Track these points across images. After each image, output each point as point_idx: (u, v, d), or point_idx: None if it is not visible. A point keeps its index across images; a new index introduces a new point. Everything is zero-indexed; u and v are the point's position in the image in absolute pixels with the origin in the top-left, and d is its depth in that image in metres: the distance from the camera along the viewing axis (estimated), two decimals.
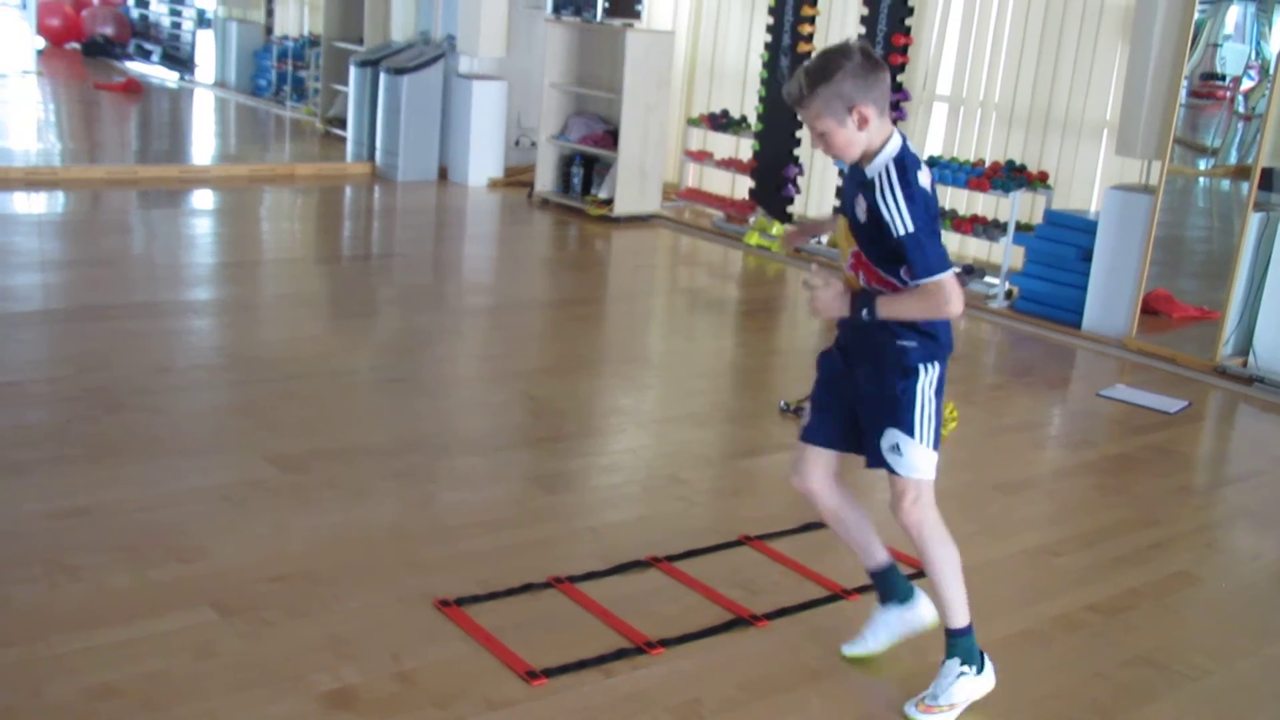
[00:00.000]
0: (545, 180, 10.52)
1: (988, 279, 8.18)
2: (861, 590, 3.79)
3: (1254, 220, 6.65)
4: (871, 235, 2.99)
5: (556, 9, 10.12)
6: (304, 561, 3.69)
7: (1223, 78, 8.36)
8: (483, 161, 10.93)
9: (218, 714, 2.90)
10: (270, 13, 16.09)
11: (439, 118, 10.94)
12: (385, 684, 3.08)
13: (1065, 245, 7.54)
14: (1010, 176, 8.00)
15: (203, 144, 12.91)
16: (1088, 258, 7.34)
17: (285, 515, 4.01)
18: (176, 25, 18.31)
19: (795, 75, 3.01)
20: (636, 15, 9.95)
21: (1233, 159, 8.33)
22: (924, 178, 2.98)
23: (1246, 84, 8.33)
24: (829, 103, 2.94)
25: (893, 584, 3.41)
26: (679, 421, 5.35)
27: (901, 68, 8.63)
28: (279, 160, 11.37)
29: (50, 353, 5.59)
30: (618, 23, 9.78)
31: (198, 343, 5.95)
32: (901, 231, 2.90)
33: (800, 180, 9.59)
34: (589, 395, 5.66)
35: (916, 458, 3.10)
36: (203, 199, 9.70)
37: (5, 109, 13.19)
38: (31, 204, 8.81)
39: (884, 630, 3.42)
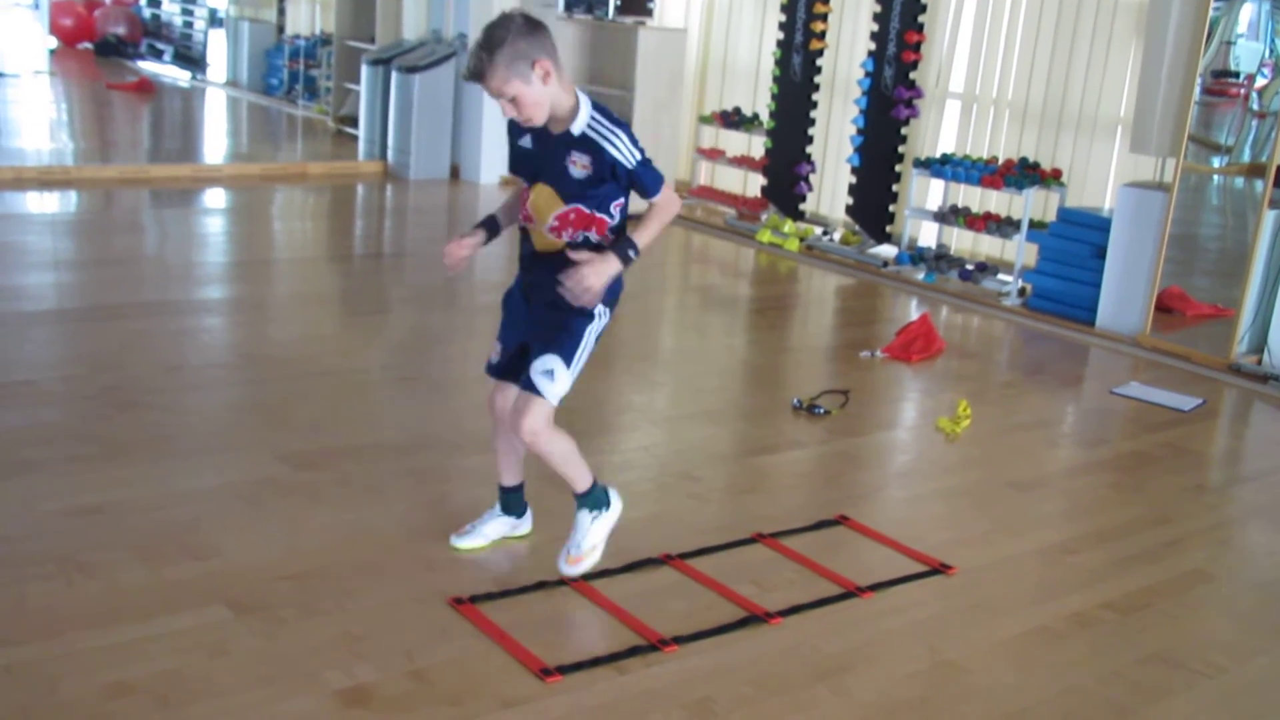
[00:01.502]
0: None
1: (1001, 276, 8.16)
2: (875, 588, 3.79)
3: (1269, 218, 6.63)
4: (592, 185, 3.33)
5: (568, 7, 10.13)
6: (317, 559, 3.70)
7: (1236, 75, 8.33)
8: (495, 159, 10.92)
9: (232, 712, 2.90)
10: (282, 12, 16.12)
11: (451, 116, 10.94)
12: (399, 682, 3.08)
13: (1079, 243, 7.52)
14: (1024, 174, 7.98)
15: (215, 143, 12.93)
16: (1102, 255, 7.32)
17: (298, 513, 4.01)
18: (188, 25, 18.36)
19: (471, 55, 3.23)
20: (648, 13, 9.96)
21: (1246, 156, 8.30)
22: (614, 114, 3.37)
23: (1260, 81, 8.30)
24: (512, 64, 3.18)
25: (516, 502, 3.91)
26: (691, 419, 5.34)
27: (914, 65, 8.62)
28: (291, 159, 11.39)
29: (64, 352, 5.60)
30: (629, 20, 9.78)
31: (210, 341, 5.96)
32: (633, 163, 3.32)
33: (813, 178, 9.58)
34: (601, 393, 5.66)
35: (561, 385, 3.45)
36: (215, 198, 9.71)
37: (18, 109, 13.24)
38: (44, 203, 8.83)
39: (494, 531, 3.89)
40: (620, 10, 9.76)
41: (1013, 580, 4.01)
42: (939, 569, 3.98)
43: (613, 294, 3.50)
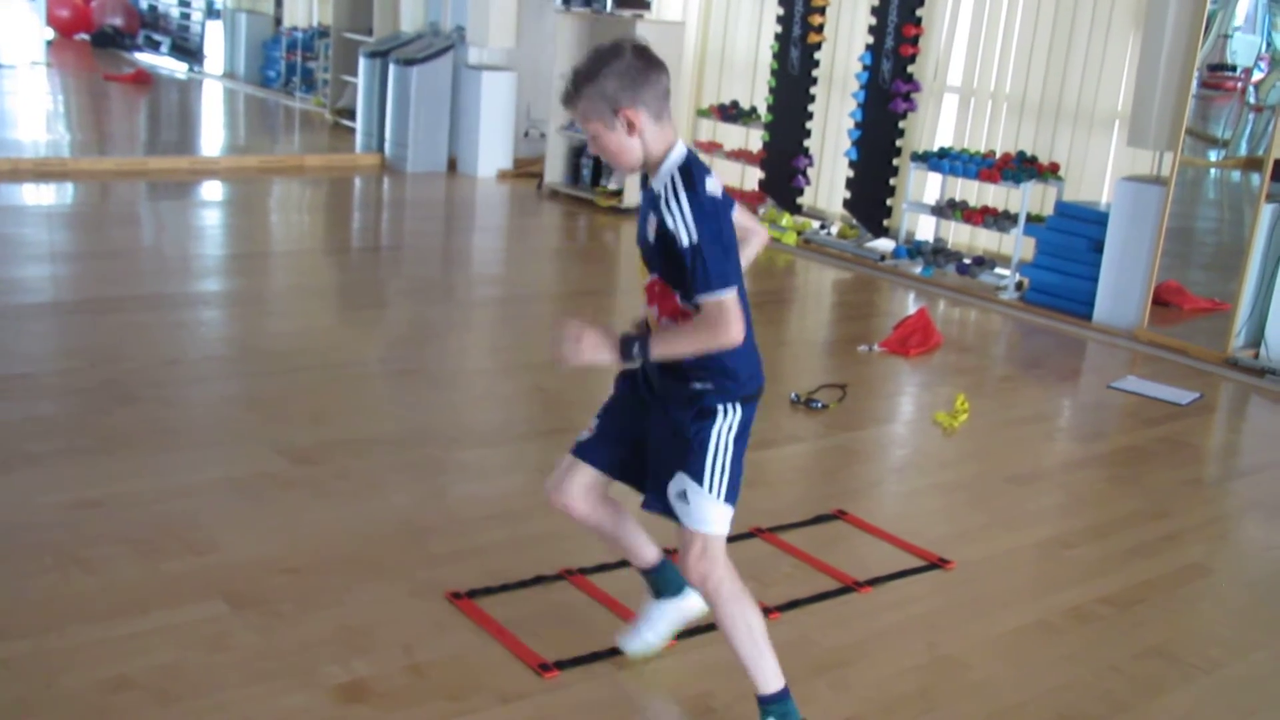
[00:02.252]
0: (555, 171, 10.51)
1: (998, 270, 8.16)
2: (873, 583, 3.80)
3: (1266, 212, 6.63)
4: (664, 256, 2.72)
5: (566, 0, 10.11)
6: (316, 554, 3.70)
7: (1233, 69, 8.32)
8: (492, 153, 10.93)
9: (230, 706, 2.90)
10: (279, 3, 16.09)
11: (448, 109, 10.93)
12: (397, 676, 3.08)
13: (1076, 237, 7.52)
14: (1021, 168, 7.98)
15: (212, 135, 12.91)
16: (1099, 249, 7.32)
17: (297, 507, 4.01)
18: (185, 16, 18.34)
19: (567, 77, 2.77)
20: (646, 6, 9.95)
21: (1243, 150, 8.29)
22: (713, 185, 2.71)
23: (1257, 75, 8.29)
24: (594, 104, 2.71)
25: (665, 579, 3.23)
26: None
27: (912, 58, 8.62)
28: (288, 151, 11.37)
29: (62, 345, 5.59)
30: (628, 13, 9.77)
31: (208, 334, 5.96)
32: (686, 242, 2.61)
33: (810, 171, 9.58)
34: (600, 386, 5.62)
35: (705, 510, 2.81)
36: (212, 190, 9.70)
37: (15, 100, 13.21)
38: (41, 195, 8.82)
39: (662, 624, 3.26)
40: (618, 3, 9.75)
41: (1010, 574, 4.02)
42: (937, 563, 3.98)
43: (729, 387, 2.82)
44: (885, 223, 9.00)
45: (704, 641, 3.38)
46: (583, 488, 3.07)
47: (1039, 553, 4.21)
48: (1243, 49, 8.31)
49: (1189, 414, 5.88)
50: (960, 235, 8.89)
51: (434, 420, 4.98)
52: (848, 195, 9.20)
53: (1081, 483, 4.96)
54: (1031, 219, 7.92)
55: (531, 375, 5.66)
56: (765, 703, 2.90)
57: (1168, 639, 3.65)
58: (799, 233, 9.20)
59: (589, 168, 10.27)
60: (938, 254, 8.43)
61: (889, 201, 8.95)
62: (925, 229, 9.01)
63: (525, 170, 11.06)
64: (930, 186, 8.98)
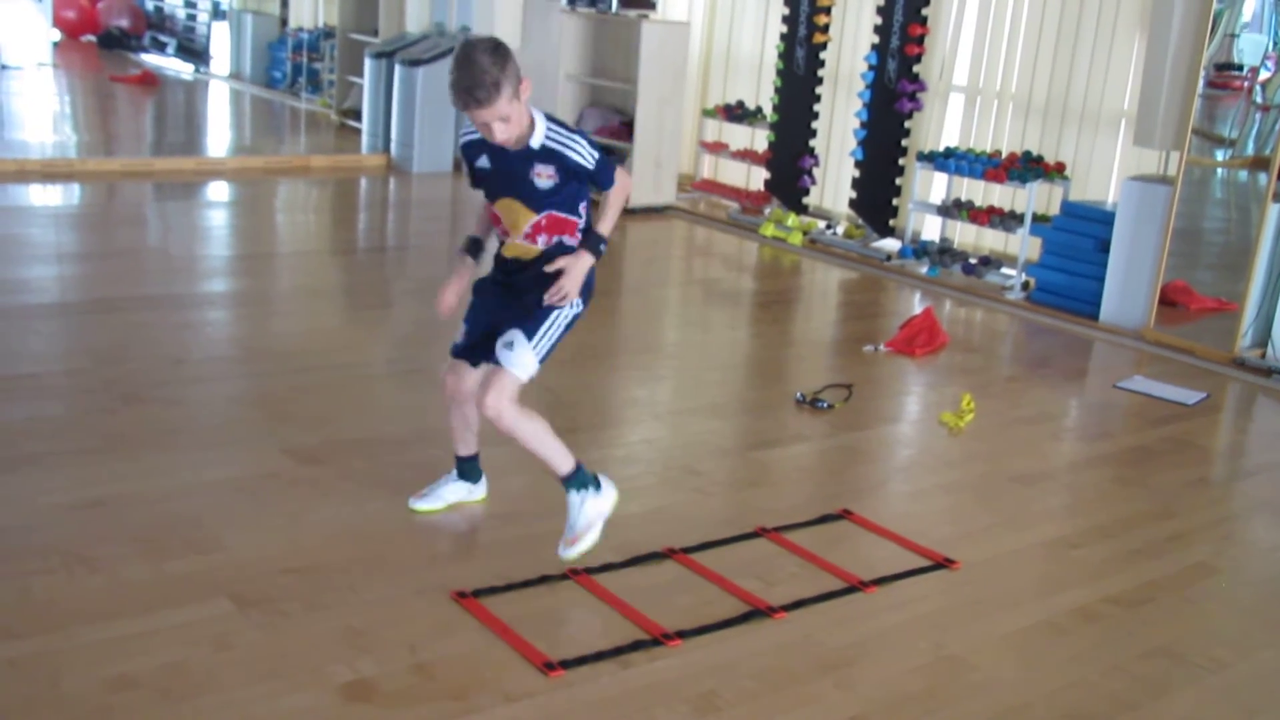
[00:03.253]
0: None
1: (1004, 270, 8.15)
2: (878, 582, 3.79)
3: (1273, 211, 6.62)
4: (559, 191, 3.54)
5: (571, 0, 10.11)
6: (320, 553, 3.70)
7: (1240, 68, 8.31)
8: None
9: (235, 705, 2.90)
10: (285, 4, 16.10)
11: (454, 110, 10.92)
12: (402, 675, 3.08)
13: (1083, 236, 7.51)
14: (1027, 167, 7.97)
15: (218, 136, 12.92)
16: (1105, 249, 7.31)
17: (302, 507, 4.01)
18: (191, 17, 18.35)
19: (472, 85, 3.29)
20: (652, 6, 9.94)
21: (1250, 150, 8.27)
22: (565, 121, 3.62)
23: (1264, 74, 8.27)
24: (510, 86, 3.33)
25: (472, 469, 4.09)
26: (694, 413, 5.34)
27: (918, 58, 8.61)
28: (294, 152, 11.38)
29: (67, 345, 5.60)
30: (633, 14, 9.77)
31: (214, 335, 5.96)
32: (591, 164, 3.53)
33: (816, 171, 9.57)
34: (604, 387, 5.66)
35: (524, 357, 3.56)
36: (218, 191, 9.71)
37: (21, 101, 13.23)
38: (48, 196, 8.83)
39: (452, 494, 4.08)
40: (624, 3, 9.75)
41: (1016, 574, 4.01)
42: (942, 563, 3.97)
43: (587, 287, 3.69)
44: (891, 223, 8.99)
45: (710, 640, 3.38)
46: (467, 378, 3.82)
47: (1045, 553, 4.20)
48: (1250, 48, 8.29)
49: (1196, 414, 5.86)
50: (966, 235, 8.88)
51: (439, 420, 4.95)
52: (853, 195, 9.19)
53: (1087, 483, 4.95)
54: (1037, 219, 7.91)
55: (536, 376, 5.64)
56: (566, 480, 3.70)
57: (1174, 639, 3.64)
58: (805, 233, 9.19)
59: None
60: (944, 254, 8.42)
61: (895, 201, 8.94)
62: (931, 229, 9.00)
63: None
64: (936, 186, 8.97)
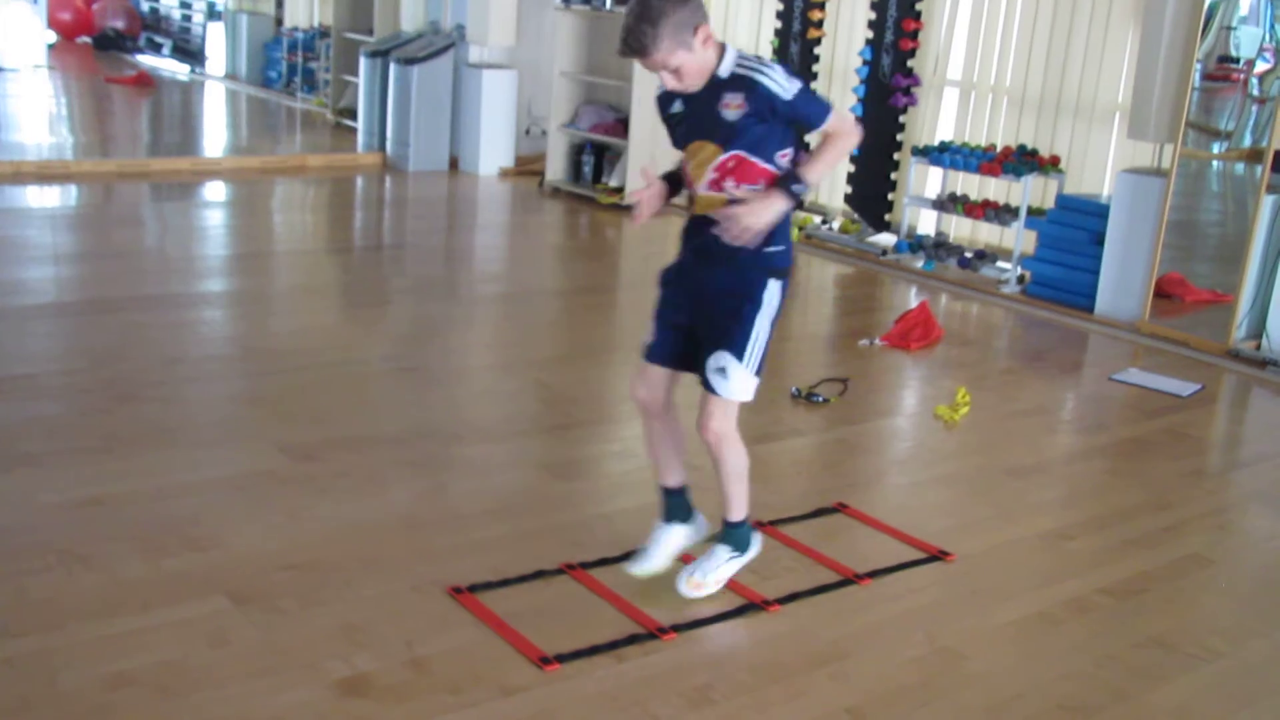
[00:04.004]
0: (556, 169, 10.52)
1: (1000, 264, 8.16)
2: (873, 575, 3.81)
3: (1267, 203, 6.63)
4: (748, 128, 3.15)
5: None
6: (317, 550, 3.71)
7: (1237, 60, 8.32)
8: (493, 151, 10.94)
9: (232, 701, 2.91)
10: (280, 4, 16.10)
11: (449, 108, 10.94)
12: (399, 671, 3.09)
13: (1077, 229, 7.52)
14: (1022, 161, 7.98)
15: (214, 136, 12.93)
16: (1100, 242, 7.32)
17: (298, 504, 4.02)
18: (187, 18, 18.35)
19: (629, 32, 3.07)
20: None
21: (1247, 142, 8.29)
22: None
23: (1261, 66, 8.29)
24: (677, 34, 3.05)
25: (682, 505, 3.63)
26: (691, 408, 5.32)
27: (912, 53, 8.61)
28: (290, 152, 11.39)
29: (64, 345, 5.61)
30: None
31: (210, 334, 5.97)
32: (790, 94, 3.12)
33: None
34: (601, 383, 5.67)
35: (742, 382, 3.33)
36: (214, 191, 9.72)
37: (17, 103, 13.23)
38: (44, 197, 8.84)
39: (670, 546, 3.60)
40: (618, 0, 9.75)
41: (1011, 566, 4.02)
42: (937, 556, 3.99)
43: (781, 266, 3.31)
44: (887, 217, 9.00)
45: (706, 634, 3.39)
46: (657, 385, 3.50)
47: (1040, 544, 4.22)
48: (1246, 40, 8.30)
49: (1190, 406, 5.88)
50: (961, 229, 8.89)
51: (435, 417, 4.99)
52: (849, 190, 9.20)
53: (1082, 475, 4.97)
54: (1033, 212, 7.92)
55: (533, 371, 5.67)
56: (730, 526, 3.55)
57: (1168, 629, 3.65)
58: (800, 228, 9.20)
59: (590, 165, 10.28)
60: (939, 248, 8.43)
61: (890, 196, 8.95)
62: (926, 223, 9.00)
63: (527, 168, 11.07)
64: (931, 180, 8.98)
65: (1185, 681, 3.37)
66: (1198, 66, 7.03)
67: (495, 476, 4.43)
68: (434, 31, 11.38)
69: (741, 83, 3.13)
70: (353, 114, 12.17)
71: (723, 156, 3.20)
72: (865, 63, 8.83)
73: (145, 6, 19.51)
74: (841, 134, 3.24)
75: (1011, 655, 3.44)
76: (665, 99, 3.32)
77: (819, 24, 9.24)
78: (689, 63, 3.10)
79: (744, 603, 3.57)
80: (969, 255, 8.25)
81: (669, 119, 3.34)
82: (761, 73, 3.12)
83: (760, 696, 3.12)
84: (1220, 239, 8.92)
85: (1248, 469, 5.28)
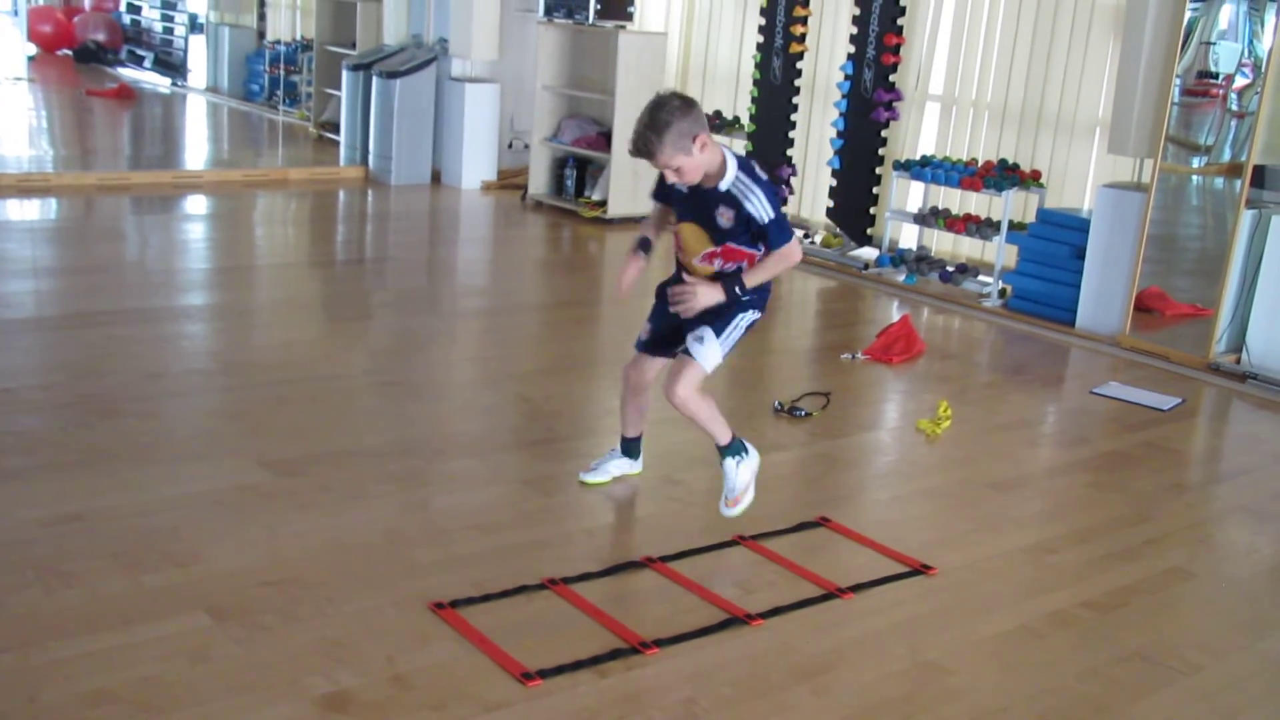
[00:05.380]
0: (538, 182, 10.53)
1: (981, 278, 8.19)
2: (856, 589, 3.81)
3: (1246, 218, 6.67)
4: (737, 231, 3.87)
5: (548, 11, 10.13)
6: (299, 566, 3.69)
7: (1216, 75, 8.37)
8: (476, 164, 10.94)
9: (213, 718, 2.90)
10: (262, 17, 16.10)
11: (432, 121, 10.94)
12: (380, 687, 3.08)
13: (1058, 244, 7.55)
14: (1003, 175, 8.01)
15: (195, 149, 12.91)
16: (1081, 256, 7.36)
17: (280, 520, 4.01)
18: (168, 31, 18.32)
19: (639, 137, 3.73)
20: (629, 17, 9.97)
21: (1226, 156, 8.33)
22: (760, 171, 3.89)
23: (1240, 81, 8.34)
24: (677, 142, 3.70)
25: (635, 449, 4.54)
26: (672, 422, 5.32)
27: (894, 67, 8.65)
28: (272, 165, 11.38)
29: (43, 359, 5.58)
30: (610, 24, 9.80)
31: (191, 348, 5.95)
32: (766, 219, 3.83)
33: (793, 180, 9.60)
34: (583, 397, 5.66)
35: (711, 350, 3.99)
36: (196, 204, 9.69)
37: None
38: (24, 210, 8.81)
39: (616, 469, 4.52)
40: (600, 14, 9.77)
41: (993, 580, 4.03)
42: (920, 569, 3.99)
43: (762, 297, 4.08)
44: (868, 231, 9.03)
45: (688, 648, 3.39)
46: (648, 370, 4.32)
47: (1021, 558, 4.22)
48: (1225, 56, 8.35)
49: (1171, 419, 5.90)
50: (943, 243, 8.92)
51: (417, 432, 4.98)
52: (831, 204, 9.23)
53: (1064, 488, 4.98)
54: (1014, 226, 7.95)
55: (515, 386, 5.66)
56: (724, 448, 4.15)
57: (1149, 642, 3.66)
58: None
59: (572, 178, 10.29)
60: (921, 262, 8.46)
61: (872, 210, 8.98)
62: (908, 237, 9.03)
63: (509, 181, 11.08)
64: (913, 195, 9.01)
65: (1167, 694, 3.38)
66: (1177, 82, 7.07)
67: (477, 491, 4.42)
68: (416, 45, 11.38)
69: (733, 201, 3.83)
70: (335, 127, 12.17)
71: (714, 247, 3.93)
72: (847, 77, 8.86)
73: (127, 19, 19.48)
74: (785, 257, 3.92)
75: (994, 669, 3.45)
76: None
77: (801, 38, 9.27)
78: (688, 164, 3.76)
79: (727, 617, 3.57)
80: (951, 269, 8.28)
81: (669, 189, 4.00)
82: (749, 199, 3.81)
83: (743, 711, 3.12)
84: (1200, 253, 8.95)
85: (1228, 482, 5.30)
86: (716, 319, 3.99)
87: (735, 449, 4.16)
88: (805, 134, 9.80)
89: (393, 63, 10.95)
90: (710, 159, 3.80)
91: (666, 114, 3.68)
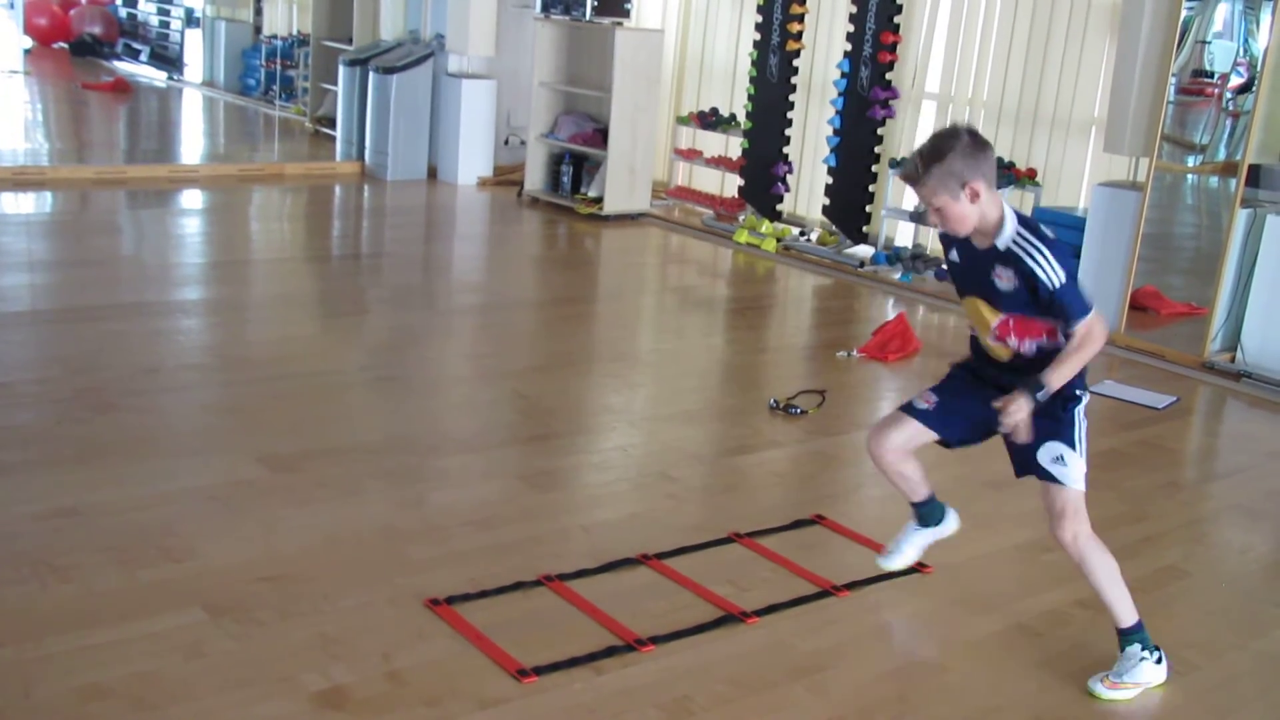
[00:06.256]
0: (535, 179, 10.52)
1: None
2: (850, 586, 3.81)
3: (1241, 217, 6.67)
4: (1023, 298, 3.27)
5: (545, 7, 10.12)
6: (294, 561, 3.69)
7: (1211, 75, 8.38)
8: (472, 160, 10.93)
9: (208, 714, 2.90)
10: (259, 11, 16.05)
11: (428, 117, 10.93)
12: (376, 683, 3.08)
13: None
14: (999, 174, 8.00)
15: (191, 143, 12.89)
16: (1076, 254, 7.35)
17: (275, 515, 4.01)
18: (165, 24, 18.27)
19: (910, 157, 3.28)
20: (626, 14, 9.96)
21: (1221, 155, 8.35)
22: (1048, 230, 3.28)
23: (1235, 80, 8.35)
24: (943, 180, 3.19)
25: (931, 511, 3.82)
26: (669, 419, 5.35)
27: (890, 65, 8.65)
28: (268, 160, 11.36)
29: (39, 354, 5.58)
30: (607, 21, 9.78)
31: (187, 343, 5.95)
32: (1056, 284, 3.18)
33: (790, 178, 9.60)
34: (579, 393, 5.66)
35: (1076, 468, 3.37)
36: (191, 199, 9.68)
37: None
38: (19, 204, 8.79)
39: (918, 546, 3.84)
40: (597, 11, 9.76)
41: (988, 578, 4.03)
42: (915, 567, 3.99)
43: (1080, 378, 3.36)
44: (864, 229, 9.03)
45: (684, 645, 3.39)
46: (901, 443, 3.67)
47: (1018, 556, 4.23)
48: (1220, 55, 8.36)
49: (1166, 418, 5.91)
50: (939, 241, 8.90)
51: (413, 428, 4.98)
52: (827, 202, 9.23)
53: None
54: None
55: (510, 382, 5.66)
56: (1125, 634, 3.43)
57: None
58: (779, 239, 9.22)
59: (569, 175, 10.28)
60: (917, 260, 8.46)
61: (868, 208, 8.98)
62: (904, 235, 9.04)
63: (505, 178, 11.07)
64: (909, 193, 9.00)
65: (1162, 694, 3.38)
66: (1173, 81, 7.07)
67: (473, 487, 4.42)
68: (413, 40, 11.37)
69: (1012, 259, 3.24)
70: (331, 122, 12.15)
71: (1001, 318, 3.36)
72: (843, 75, 8.86)
73: (123, 12, 19.43)
74: (1090, 340, 3.24)
75: (988, 668, 3.45)
76: (945, 240, 3.50)
77: (798, 36, 9.27)
78: (951, 208, 3.23)
79: (722, 614, 3.57)
80: (946, 267, 8.27)
81: (949, 263, 3.56)
82: (1034, 258, 3.20)
83: (738, 709, 3.12)
84: (1195, 252, 8.97)
85: (1223, 480, 5.31)
86: (1052, 422, 3.34)
87: (1145, 640, 3.43)
88: (801, 132, 9.79)
89: (389, 58, 10.93)
90: (983, 213, 3.24)
91: (946, 146, 3.20)
